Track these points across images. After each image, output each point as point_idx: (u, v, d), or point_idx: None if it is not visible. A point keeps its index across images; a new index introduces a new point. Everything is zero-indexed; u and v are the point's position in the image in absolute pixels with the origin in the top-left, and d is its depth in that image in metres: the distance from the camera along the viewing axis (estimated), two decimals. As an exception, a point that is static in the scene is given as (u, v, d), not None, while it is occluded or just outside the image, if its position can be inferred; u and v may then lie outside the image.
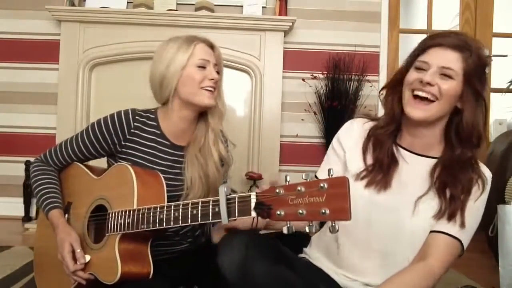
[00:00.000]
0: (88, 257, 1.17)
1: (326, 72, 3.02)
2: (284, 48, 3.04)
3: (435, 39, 1.07)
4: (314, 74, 3.04)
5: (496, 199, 2.12)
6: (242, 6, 3.07)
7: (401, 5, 3.29)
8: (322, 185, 0.77)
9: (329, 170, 0.80)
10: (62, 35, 2.99)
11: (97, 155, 1.33)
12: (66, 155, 1.34)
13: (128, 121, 1.29)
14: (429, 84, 1.03)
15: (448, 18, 4.23)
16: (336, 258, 1.14)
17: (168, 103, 1.33)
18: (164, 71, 1.29)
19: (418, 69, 1.06)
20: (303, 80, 3.05)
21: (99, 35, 2.97)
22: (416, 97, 1.05)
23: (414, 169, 1.10)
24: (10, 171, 2.93)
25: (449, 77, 1.03)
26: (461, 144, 1.07)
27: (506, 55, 3.26)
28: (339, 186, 0.76)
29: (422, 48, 1.08)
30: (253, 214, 0.84)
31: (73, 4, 2.98)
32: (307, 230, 0.81)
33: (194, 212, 0.99)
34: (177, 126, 1.34)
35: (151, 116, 1.34)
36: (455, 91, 1.04)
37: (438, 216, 1.04)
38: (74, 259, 1.17)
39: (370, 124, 1.19)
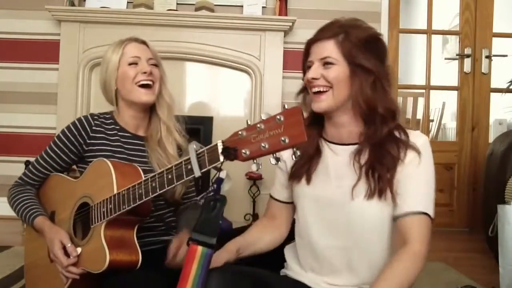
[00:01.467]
0: (79, 249, 1.18)
1: (326, 72, 3.02)
2: (284, 48, 3.04)
3: (313, 37, 1.11)
4: (314, 74, 3.03)
5: (496, 199, 2.13)
6: (242, 6, 3.07)
7: (401, 5, 3.29)
8: (278, 117, 0.82)
9: (283, 105, 0.85)
10: (62, 35, 2.99)
11: (69, 161, 1.36)
12: (40, 168, 1.37)
13: (88, 121, 1.35)
14: (313, 79, 1.08)
15: (448, 18, 4.24)
16: (318, 265, 1.14)
17: (116, 105, 1.40)
18: (104, 75, 1.39)
19: (309, 68, 1.12)
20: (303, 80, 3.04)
21: (99, 35, 2.97)
22: (315, 93, 1.10)
23: (344, 160, 1.11)
24: (10, 171, 2.94)
25: (331, 63, 1.07)
26: (374, 122, 1.07)
27: (506, 55, 3.26)
28: (293, 114, 0.82)
29: (306, 50, 1.14)
30: (221, 158, 0.89)
31: (73, 4, 2.98)
32: (273, 162, 0.87)
33: (170, 176, 1.01)
34: (131, 122, 1.40)
35: (107, 116, 1.41)
36: (343, 74, 1.06)
37: (368, 196, 1.05)
38: (66, 255, 1.19)
39: None
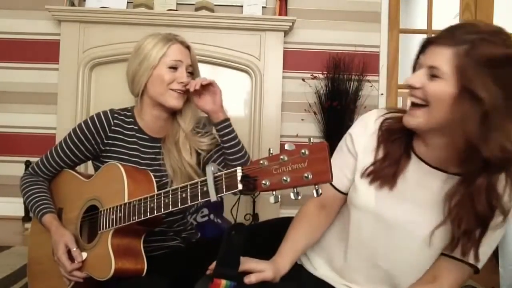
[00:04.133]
0: (85, 255, 1.17)
1: (326, 72, 3.02)
2: (284, 48, 3.03)
3: (435, 35, 0.91)
4: (314, 74, 3.04)
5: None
6: (242, 6, 3.07)
7: (401, 5, 3.29)
8: (303, 151, 0.80)
9: (309, 139, 0.81)
10: (62, 35, 2.99)
11: (83, 158, 1.34)
12: (53, 163, 1.35)
13: (108, 120, 1.31)
14: (411, 87, 0.91)
15: (448, 18, 4.23)
16: (342, 269, 1.09)
17: (140, 100, 1.35)
18: (136, 68, 1.31)
19: (415, 69, 0.93)
20: (303, 80, 3.05)
21: (99, 35, 2.97)
22: (412, 104, 0.93)
23: (426, 184, 0.96)
24: (10, 171, 2.93)
25: (437, 76, 0.87)
26: (473, 164, 0.87)
27: (506, 55, 3.25)
28: (319, 151, 0.79)
29: (421, 47, 0.93)
30: (240, 187, 0.87)
31: (73, 4, 2.98)
32: (292, 197, 0.83)
33: (184, 195, 1.00)
34: (152, 123, 1.36)
35: (128, 113, 1.37)
36: (446, 93, 0.85)
37: (450, 249, 0.94)
38: (70, 259, 1.17)
39: (382, 119, 1.05)
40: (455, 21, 3.57)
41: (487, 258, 0.99)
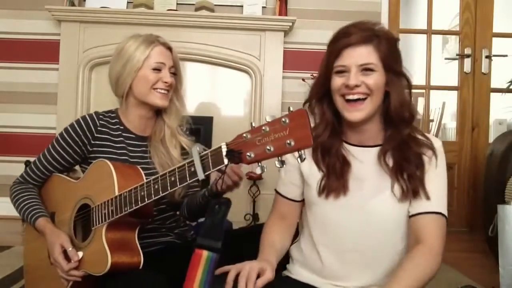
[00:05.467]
0: (81, 254, 1.17)
1: (326, 72, 3.01)
2: (284, 48, 3.04)
3: (342, 40, 1.07)
4: (314, 74, 3.03)
5: (496, 199, 2.13)
6: (242, 6, 3.07)
7: (401, 5, 3.29)
8: (284, 120, 0.82)
9: (288, 108, 0.84)
10: (62, 35, 2.99)
11: (72, 161, 1.34)
12: (42, 168, 1.35)
13: (93, 121, 1.32)
14: (356, 86, 1.04)
15: (448, 18, 4.24)
16: (320, 269, 1.13)
17: (124, 100, 1.37)
18: (120, 70, 1.32)
19: (339, 73, 1.07)
20: (303, 80, 3.04)
21: (99, 35, 2.97)
22: (348, 101, 1.06)
23: (368, 163, 1.11)
24: (10, 171, 2.93)
25: (371, 70, 1.05)
26: (398, 124, 1.08)
27: (506, 55, 3.26)
28: (299, 117, 0.81)
29: (336, 53, 1.08)
30: (225, 161, 0.88)
31: (73, 4, 2.98)
32: (277, 165, 0.86)
33: (172, 178, 1.00)
34: (137, 122, 1.38)
35: (112, 115, 1.38)
36: (381, 81, 1.06)
37: (403, 198, 1.06)
38: (67, 259, 1.17)
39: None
40: (455, 21, 3.58)
41: (442, 200, 1.09)
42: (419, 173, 1.06)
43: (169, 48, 1.38)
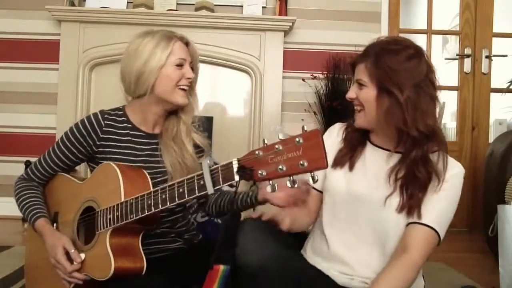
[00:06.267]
0: (83, 255, 1.17)
1: (326, 72, 3.02)
2: (284, 48, 3.04)
3: (355, 57, 1.20)
4: (314, 74, 3.04)
5: (496, 199, 2.13)
6: (242, 6, 3.07)
7: (401, 5, 3.29)
8: (297, 140, 0.81)
9: (302, 127, 0.85)
10: (62, 35, 2.99)
11: (77, 160, 1.33)
12: (47, 167, 1.34)
13: (98, 121, 1.30)
14: (350, 98, 1.19)
15: (448, 18, 4.23)
16: (328, 254, 1.18)
17: (141, 98, 1.32)
18: (141, 68, 1.27)
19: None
20: (303, 80, 3.04)
21: (99, 35, 2.97)
22: (355, 110, 1.20)
23: (382, 164, 1.17)
24: (10, 171, 2.95)
25: (363, 85, 1.14)
26: (405, 143, 1.11)
27: (506, 55, 3.26)
28: (313, 137, 0.81)
29: (351, 68, 1.22)
30: (236, 178, 0.88)
31: (73, 4, 2.98)
32: (289, 185, 0.84)
33: (181, 190, 0.99)
34: (148, 119, 1.35)
35: (119, 113, 1.35)
36: (371, 95, 1.13)
37: (399, 210, 1.11)
38: (69, 260, 1.17)
39: (344, 128, 1.30)
40: (455, 21, 3.58)
41: (440, 218, 1.11)
42: (420, 195, 1.10)
43: (187, 43, 1.37)
